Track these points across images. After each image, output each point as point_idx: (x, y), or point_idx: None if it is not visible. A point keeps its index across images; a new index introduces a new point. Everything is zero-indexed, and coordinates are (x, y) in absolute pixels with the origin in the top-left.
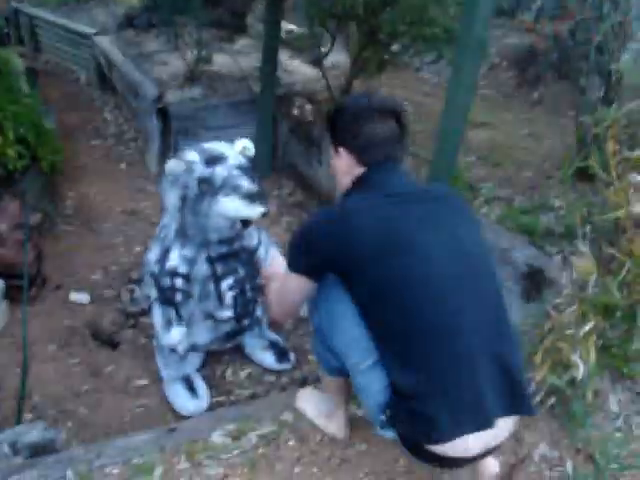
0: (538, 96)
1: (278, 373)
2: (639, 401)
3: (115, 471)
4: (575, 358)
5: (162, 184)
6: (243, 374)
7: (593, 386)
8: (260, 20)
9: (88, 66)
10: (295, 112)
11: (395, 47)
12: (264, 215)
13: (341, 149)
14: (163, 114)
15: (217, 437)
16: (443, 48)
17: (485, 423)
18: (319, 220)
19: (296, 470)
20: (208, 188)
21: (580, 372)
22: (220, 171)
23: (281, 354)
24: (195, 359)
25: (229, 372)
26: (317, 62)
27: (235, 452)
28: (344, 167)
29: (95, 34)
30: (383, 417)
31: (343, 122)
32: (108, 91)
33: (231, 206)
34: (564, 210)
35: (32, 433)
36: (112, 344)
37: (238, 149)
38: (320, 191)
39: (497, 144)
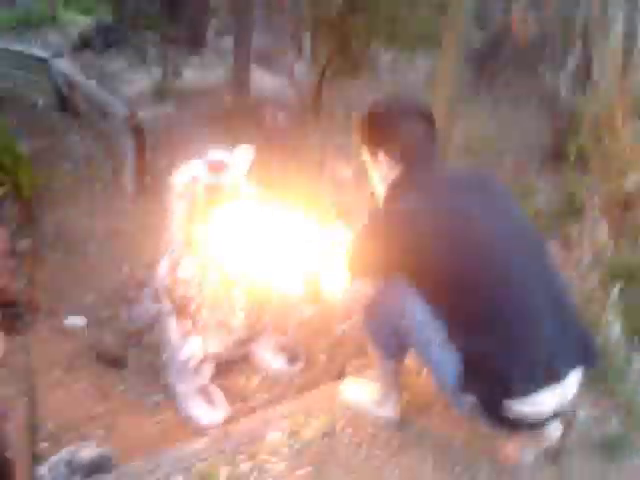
0: (499, 88)
1: (290, 376)
2: None
3: (180, 478)
4: (610, 318)
5: (166, 197)
6: (256, 380)
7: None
8: (218, 34)
9: (45, 90)
10: (268, 121)
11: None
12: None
13: (380, 154)
14: (136, 132)
15: (274, 435)
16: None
17: (557, 376)
18: (386, 222)
19: (359, 456)
20: (216, 196)
21: (616, 331)
22: (226, 179)
23: (291, 356)
24: (207, 370)
25: (242, 380)
26: (289, 70)
27: (295, 447)
28: (384, 172)
29: (52, 57)
30: (458, 383)
31: (380, 126)
32: (69, 114)
33: (242, 212)
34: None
35: (87, 451)
36: (119, 364)
37: (239, 156)
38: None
39: (472, 135)
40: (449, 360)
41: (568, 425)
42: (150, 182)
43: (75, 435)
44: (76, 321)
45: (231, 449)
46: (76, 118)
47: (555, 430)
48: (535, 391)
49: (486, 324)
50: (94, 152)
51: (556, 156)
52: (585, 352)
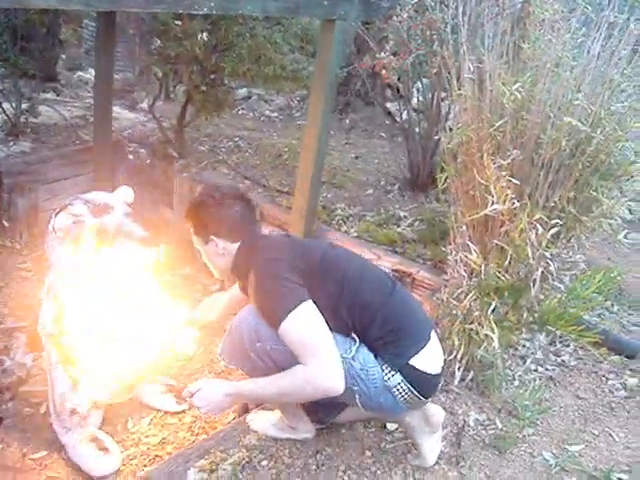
0: (350, 122)
1: (179, 414)
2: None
3: None
4: (489, 333)
5: (49, 240)
6: (145, 422)
7: (501, 355)
8: (68, 69)
9: None
10: (131, 157)
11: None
12: (160, 256)
13: (212, 237)
14: None
15: (194, 475)
16: (284, 85)
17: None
18: (272, 260)
19: None
20: (101, 238)
21: (495, 343)
22: (110, 220)
23: (178, 396)
24: (96, 417)
25: (130, 423)
26: (150, 106)
27: None
28: (220, 250)
29: None
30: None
31: (207, 215)
32: None
33: (128, 252)
34: (411, 219)
35: None
36: None
37: (120, 197)
38: (169, 232)
39: (332, 168)
40: (369, 362)
41: (461, 429)
42: (9, 224)
43: None
44: None
45: None
46: None
47: (441, 414)
48: (423, 347)
49: (378, 315)
50: None
51: (412, 186)
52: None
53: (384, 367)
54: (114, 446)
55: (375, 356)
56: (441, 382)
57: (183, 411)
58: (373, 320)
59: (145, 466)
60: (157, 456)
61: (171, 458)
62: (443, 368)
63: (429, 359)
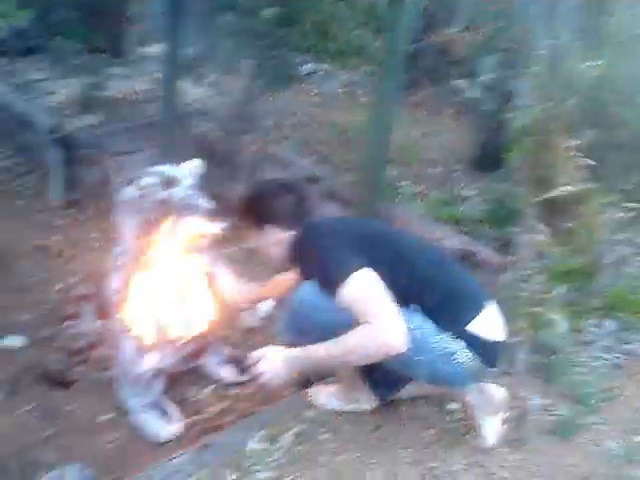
0: (417, 99)
1: (240, 385)
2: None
3: None
4: (554, 317)
5: (117, 212)
6: (207, 391)
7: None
8: (136, 44)
9: None
10: (196, 132)
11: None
12: (226, 230)
13: (266, 226)
14: (62, 145)
15: (254, 444)
16: (349, 60)
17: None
18: (327, 236)
19: (339, 458)
20: (168, 210)
21: (561, 327)
22: (177, 193)
23: (240, 366)
24: (159, 384)
25: (193, 392)
26: (215, 81)
27: (277, 454)
28: (273, 239)
29: None
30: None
31: (261, 205)
32: None
33: (194, 225)
34: (476, 199)
35: (73, 473)
36: (64, 384)
37: (187, 170)
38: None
39: (399, 145)
40: (430, 327)
41: (524, 413)
42: (79, 196)
43: (24, 463)
44: (15, 342)
45: (215, 462)
46: None
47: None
48: (479, 312)
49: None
50: (13, 165)
51: (479, 165)
52: None
53: (444, 335)
54: (176, 413)
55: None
56: (504, 351)
57: (244, 382)
58: (431, 288)
59: (205, 434)
60: (217, 425)
61: (233, 427)
62: (504, 337)
63: (487, 325)
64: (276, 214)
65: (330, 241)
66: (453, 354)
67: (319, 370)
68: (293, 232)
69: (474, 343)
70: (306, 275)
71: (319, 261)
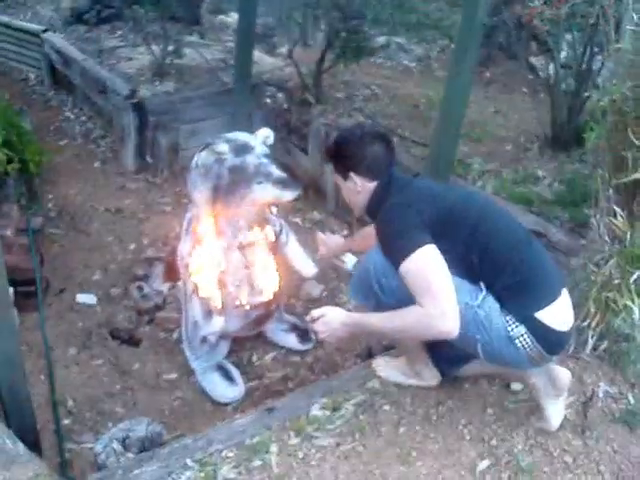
0: (490, 75)
1: (302, 353)
2: None
3: (231, 454)
4: (629, 303)
5: (191, 176)
6: (269, 357)
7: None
8: (211, 12)
9: (37, 65)
10: (268, 101)
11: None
12: (297, 199)
13: (351, 174)
14: (138, 110)
15: (316, 411)
16: (426, 33)
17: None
18: (400, 205)
19: (401, 430)
20: (241, 177)
21: (635, 314)
22: (251, 160)
23: (303, 335)
24: (224, 347)
25: (255, 357)
26: (289, 51)
27: (338, 422)
28: (358, 187)
29: (44, 31)
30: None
31: (348, 151)
32: (63, 89)
33: (266, 193)
34: (550, 179)
35: (140, 428)
36: (133, 341)
37: (260, 138)
38: (303, 176)
39: (471, 121)
40: (497, 309)
41: (589, 399)
42: (152, 160)
43: (95, 413)
44: (87, 299)
45: (277, 425)
46: (70, 94)
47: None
48: (552, 302)
49: (508, 265)
50: (91, 129)
51: (554, 144)
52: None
53: (509, 318)
54: (239, 376)
55: (501, 306)
56: (568, 341)
57: (306, 350)
58: (503, 270)
59: (267, 399)
60: (278, 391)
61: (296, 392)
62: (572, 328)
63: (557, 315)
64: (361, 163)
65: (405, 209)
66: (514, 339)
67: (375, 338)
68: (375, 182)
69: (538, 330)
70: (377, 233)
71: (389, 226)
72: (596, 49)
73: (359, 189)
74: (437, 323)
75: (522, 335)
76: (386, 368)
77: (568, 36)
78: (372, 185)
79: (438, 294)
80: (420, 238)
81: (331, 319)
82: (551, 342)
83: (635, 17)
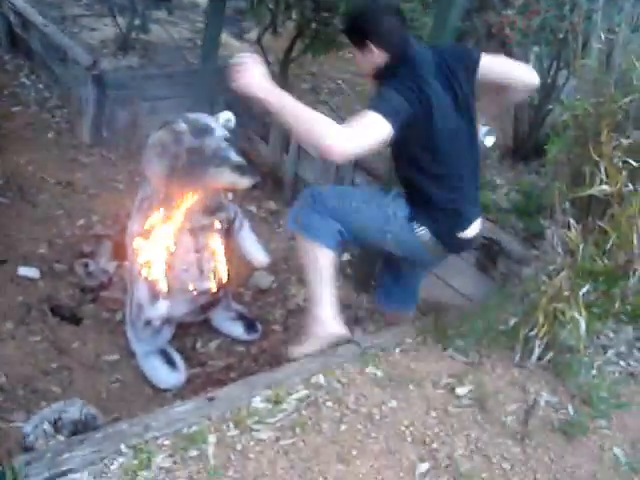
0: None
1: (247, 343)
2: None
3: (167, 442)
4: (577, 316)
5: (147, 154)
6: (213, 345)
7: (585, 340)
8: None
9: None
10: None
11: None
12: (255, 186)
13: (368, 42)
14: (98, 82)
15: (258, 403)
16: None
17: (478, 214)
18: (392, 87)
19: (342, 428)
20: (198, 159)
21: (581, 327)
22: (209, 142)
23: (249, 325)
24: (167, 332)
25: (199, 344)
26: (258, 38)
27: (280, 416)
28: (374, 57)
29: None
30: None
31: (367, 20)
32: (21, 54)
33: (222, 177)
34: (507, 188)
35: (73, 410)
36: (75, 319)
37: (222, 121)
38: (262, 165)
39: None
40: (405, 216)
41: (531, 408)
42: (108, 135)
43: (29, 391)
44: (29, 272)
45: (217, 415)
46: (28, 59)
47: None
48: (472, 223)
49: (447, 182)
50: (47, 98)
51: (514, 155)
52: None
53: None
54: (181, 362)
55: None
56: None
57: (252, 341)
58: (437, 186)
59: (208, 387)
60: (220, 380)
61: (238, 383)
62: (475, 234)
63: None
64: (378, 30)
65: (393, 92)
66: (417, 230)
67: (278, 118)
68: (388, 54)
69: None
70: None
71: (379, 92)
72: (562, 64)
73: (374, 59)
74: (334, 138)
75: (424, 231)
76: (300, 345)
77: (536, 49)
78: (385, 56)
79: (359, 130)
80: (388, 111)
81: (256, 69)
82: (452, 242)
83: (602, 35)
